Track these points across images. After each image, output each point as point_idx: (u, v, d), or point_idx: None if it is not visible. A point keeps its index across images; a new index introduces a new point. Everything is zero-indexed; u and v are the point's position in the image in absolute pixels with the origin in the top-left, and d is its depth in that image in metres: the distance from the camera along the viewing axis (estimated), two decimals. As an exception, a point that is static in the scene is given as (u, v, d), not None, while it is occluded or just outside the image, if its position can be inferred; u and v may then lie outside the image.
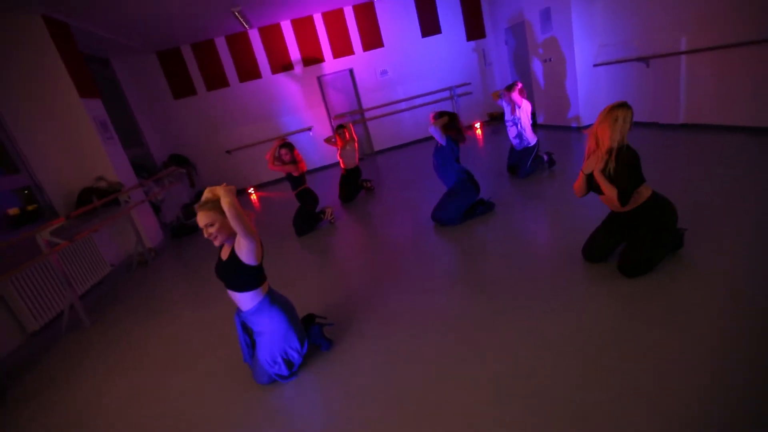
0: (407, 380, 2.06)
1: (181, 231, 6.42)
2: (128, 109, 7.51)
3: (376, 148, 9.51)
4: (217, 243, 2.12)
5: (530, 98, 7.08)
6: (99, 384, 2.74)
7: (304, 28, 8.50)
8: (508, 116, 4.88)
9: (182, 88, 8.38)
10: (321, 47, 8.68)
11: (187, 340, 3.02)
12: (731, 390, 1.58)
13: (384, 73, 9.11)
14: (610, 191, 2.38)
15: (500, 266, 3.02)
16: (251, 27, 8.08)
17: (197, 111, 8.54)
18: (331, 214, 5.02)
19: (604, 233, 2.64)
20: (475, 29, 9.25)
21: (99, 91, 5.55)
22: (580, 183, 2.59)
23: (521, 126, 4.76)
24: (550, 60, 6.96)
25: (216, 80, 8.49)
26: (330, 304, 3.00)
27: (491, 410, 1.76)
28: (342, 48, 8.79)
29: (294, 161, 4.75)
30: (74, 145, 5.08)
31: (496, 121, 9.45)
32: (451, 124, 3.86)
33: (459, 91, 9.40)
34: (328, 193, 6.46)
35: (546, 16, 6.66)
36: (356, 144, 5.82)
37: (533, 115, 5.84)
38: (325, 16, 8.54)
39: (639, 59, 5.53)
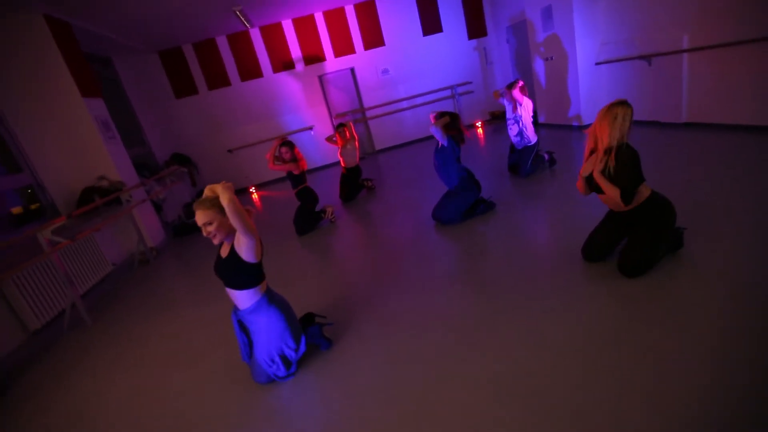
0: (407, 380, 2.06)
1: (183, 230, 6.43)
2: (130, 109, 7.52)
3: (378, 147, 9.51)
4: (216, 241, 2.12)
5: (531, 97, 7.06)
6: (99, 383, 2.75)
7: (305, 27, 8.50)
8: (509, 114, 4.87)
9: (184, 87, 8.39)
10: (322, 46, 8.68)
11: (189, 339, 3.03)
12: (731, 390, 1.58)
13: (385, 71, 9.10)
14: (612, 191, 2.37)
15: (500, 266, 3.01)
16: (252, 26, 8.07)
17: (199, 110, 8.56)
18: (331, 213, 5.02)
19: (603, 233, 2.63)
20: (476, 28, 9.23)
21: (101, 90, 5.56)
22: (581, 183, 2.58)
23: (523, 124, 4.75)
24: (551, 58, 6.94)
25: (217, 79, 8.50)
26: (330, 304, 3.01)
27: (491, 410, 1.76)
28: (343, 47, 8.78)
29: (294, 159, 4.76)
30: (76, 144, 5.10)
31: (497, 120, 9.43)
32: (453, 124, 3.85)
33: (460, 90, 9.38)
34: (329, 192, 6.46)
35: (547, 14, 6.64)
36: (357, 143, 5.81)
37: (534, 113, 5.83)
38: (326, 14, 8.53)
39: (641, 57, 5.51)
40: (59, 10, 4.86)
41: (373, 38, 8.88)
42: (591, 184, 2.52)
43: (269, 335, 2.20)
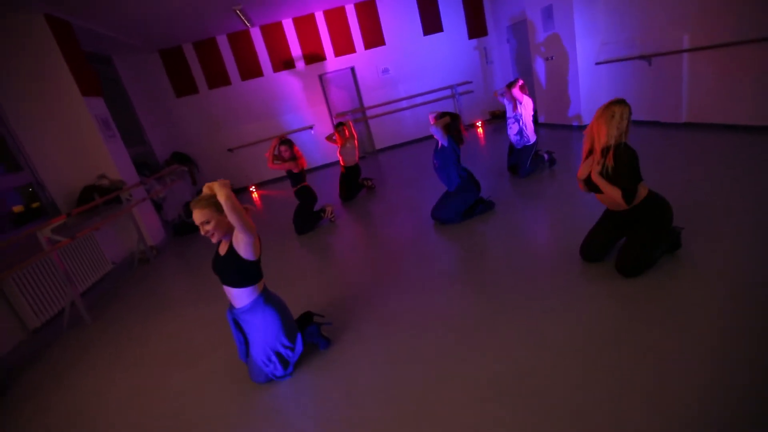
0: (407, 380, 2.06)
1: (183, 229, 6.43)
2: (130, 108, 7.52)
3: (378, 146, 9.50)
4: (214, 240, 2.12)
5: (531, 96, 7.06)
6: (99, 382, 2.75)
7: (305, 26, 8.49)
8: (509, 113, 4.87)
9: (184, 86, 8.39)
10: (322, 45, 8.67)
11: (188, 339, 3.03)
12: (731, 390, 1.58)
13: (385, 71, 9.10)
14: (613, 192, 2.35)
15: (500, 266, 3.01)
16: (253, 25, 8.07)
17: (199, 109, 8.55)
18: (331, 213, 5.02)
19: (601, 232, 2.63)
20: (476, 27, 9.22)
21: (101, 89, 5.55)
22: (581, 184, 2.58)
23: (523, 122, 4.75)
24: (551, 58, 6.94)
25: (218, 78, 8.49)
26: (329, 303, 3.01)
27: (491, 410, 1.76)
28: (343, 46, 8.78)
29: (294, 158, 4.76)
30: (76, 143, 5.09)
31: (497, 119, 9.43)
32: (453, 124, 3.84)
33: (460, 89, 9.38)
34: (329, 192, 6.46)
35: (548, 13, 6.64)
36: (356, 141, 5.81)
37: (535, 112, 5.83)
38: (327, 14, 8.53)
39: (641, 57, 5.50)
40: (60, 9, 4.85)
41: (374, 37, 8.87)
42: (590, 185, 2.52)
43: (265, 335, 2.19)
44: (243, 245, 2.04)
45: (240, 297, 2.15)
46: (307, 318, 2.53)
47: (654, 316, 2.07)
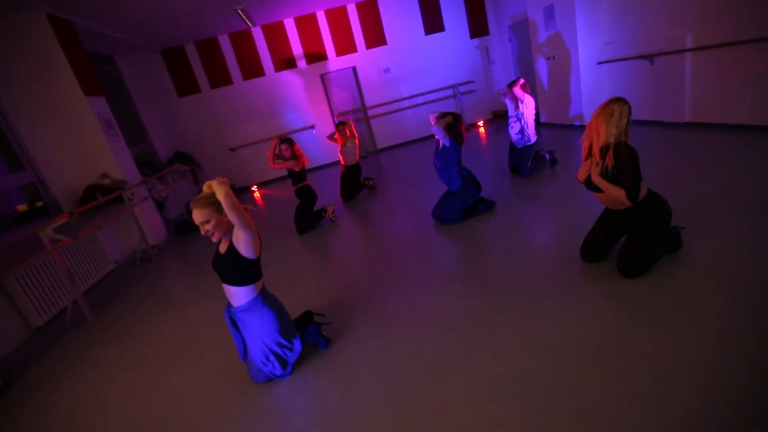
0: (406, 380, 2.06)
1: (185, 228, 6.44)
2: (133, 107, 7.54)
3: (379, 146, 9.51)
4: (214, 239, 2.13)
5: (533, 96, 7.06)
6: (100, 382, 2.76)
7: (307, 25, 8.50)
8: (511, 112, 4.86)
9: (186, 86, 8.41)
10: (324, 45, 8.68)
11: (190, 338, 3.04)
12: (731, 390, 1.58)
13: (387, 70, 9.09)
14: (616, 192, 2.34)
15: (500, 266, 3.01)
16: (254, 25, 8.08)
17: (201, 109, 8.57)
18: (332, 212, 5.03)
19: (601, 232, 2.62)
20: (478, 27, 9.21)
21: (103, 88, 5.57)
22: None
23: (524, 121, 4.74)
24: (553, 58, 6.93)
25: (220, 78, 8.51)
26: (329, 303, 3.01)
27: (491, 410, 1.76)
28: (345, 46, 8.78)
29: (294, 156, 4.77)
30: (78, 142, 5.12)
31: (499, 119, 9.41)
32: (455, 124, 3.84)
33: (462, 89, 9.37)
34: (330, 191, 6.46)
35: (549, 13, 6.63)
36: (357, 140, 5.81)
37: (537, 112, 5.82)
38: (328, 13, 8.53)
39: (643, 57, 5.49)
40: (62, 9, 4.87)
41: (375, 37, 8.87)
42: (590, 186, 2.51)
43: (262, 335, 2.20)
44: (243, 243, 2.04)
45: (238, 295, 2.16)
46: (307, 317, 2.54)
47: (654, 316, 2.07)
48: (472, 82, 9.39)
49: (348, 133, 5.73)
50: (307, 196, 4.90)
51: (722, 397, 1.56)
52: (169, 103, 8.38)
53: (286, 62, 8.64)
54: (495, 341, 2.18)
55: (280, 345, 2.22)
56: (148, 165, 7.07)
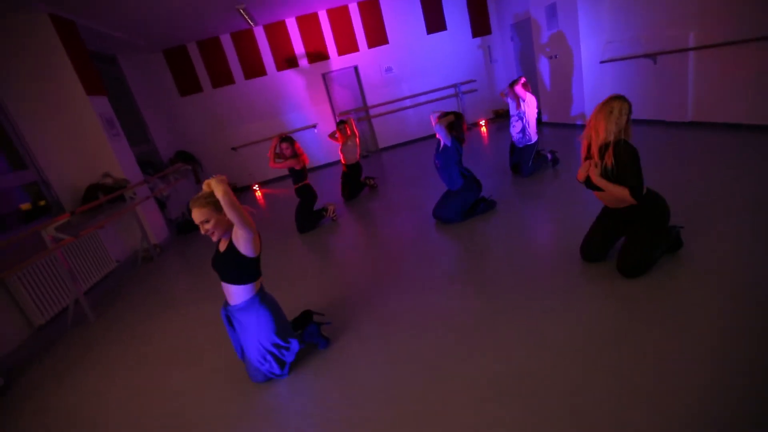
0: (407, 380, 2.06)
1: (187, 227, 6.45)
2: (135, 107, 7.56)
3: (381, 145, 9.51)
4: (214, 238, 2.13)
5: (535, 95, 7.05)
6: (101, 381, 2.77)
7: (309, 25, 8.50)
8: (513, 111, 4.85)
9: (188, 85, 8.42)
10: (326, 44, 8.68)
11: (191, 337, 3.05)
12: (731, 390, 1.57)
13: (389, 70, 9.09)
14: (618, 191, 2.32)
15: (501, 265, 3.01)
16: (256, 24, 8.09)
17: (203, 108, 8.59)
18: (333, 212, 5.03)
19: (600, 231, 2.61)
20: (480, 26, 9.20)
21: (105, 88, 5.59)
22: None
23: (526, 120, 4.73)
24: (555, 57, 6.91)
25: (222, 77, 8.52)
26: (330, 302, 3.01)
27: (491, 410, 1.76)
28: (347, 45, 8.78)
29: (295, 155, 4.77)
30: (81, 141, 5.13)
31: (501, 118, 9.40)
32: (457, 123, 3.83)
33: (464, 88, 9.36)
34: (331, 190, 6.47)
35: (552, 12, 6.61)
36: (357, 139, 5.81)
37: (539, 111, 5.80)
38: (330, 13, 8.53)
39: (646, 56, 5.46)
40: (64, 8, 4.88)
41: (377, 36, 8.87)
42: (590, 185, 2.49)
43: (258, 335, 2.20)
44: (242, 241, 2.04)
45: (237, 294, 2.16)
46: (306, 317, 2.54)
47: (654, 316, 2.06)
48: (474, 81, 9.38)
49: (349, 131, 5.73)
50: (307, 195, 4.91)
51: (722, 397, 1.55)
52: (170, 103, 8.40)
53: (288, 61, 8.65)
54: (495, 341, 2.18)
55: (276, 345, 2.22)
56: (149, 164, 7.09)
